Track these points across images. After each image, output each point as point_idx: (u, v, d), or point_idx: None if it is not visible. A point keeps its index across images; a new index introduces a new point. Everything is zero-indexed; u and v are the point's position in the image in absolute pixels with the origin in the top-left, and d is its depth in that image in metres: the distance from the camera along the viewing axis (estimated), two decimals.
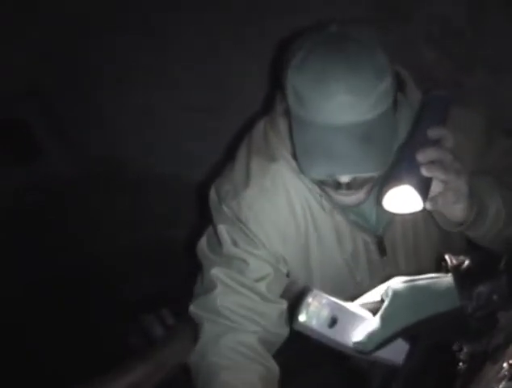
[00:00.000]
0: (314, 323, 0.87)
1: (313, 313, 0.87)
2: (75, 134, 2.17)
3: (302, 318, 0.87)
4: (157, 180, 2.23)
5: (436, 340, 0.89)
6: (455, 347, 0.87)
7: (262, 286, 1.20)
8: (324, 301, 0.88)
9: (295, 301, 0.91)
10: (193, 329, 1.28)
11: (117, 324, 2.09)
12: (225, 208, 1.21)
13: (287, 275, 1.27)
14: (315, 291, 0.88)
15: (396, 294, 0.87)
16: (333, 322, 0.87)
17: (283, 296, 1.26)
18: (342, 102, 0.94)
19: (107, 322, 2.15)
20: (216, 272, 1.21)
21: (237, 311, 1.19)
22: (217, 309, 1.19)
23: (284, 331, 1.25)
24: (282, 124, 1.14)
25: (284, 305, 1.24)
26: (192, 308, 1.25)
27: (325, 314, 0.88)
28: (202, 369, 1.18)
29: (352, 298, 0.95)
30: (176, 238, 2.24)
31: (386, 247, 1.25)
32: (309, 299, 0.88)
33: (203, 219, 1.34)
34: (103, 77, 2.02)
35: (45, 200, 2.18)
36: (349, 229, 1.21)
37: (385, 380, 0.97)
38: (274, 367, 1.21)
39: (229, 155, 1.31)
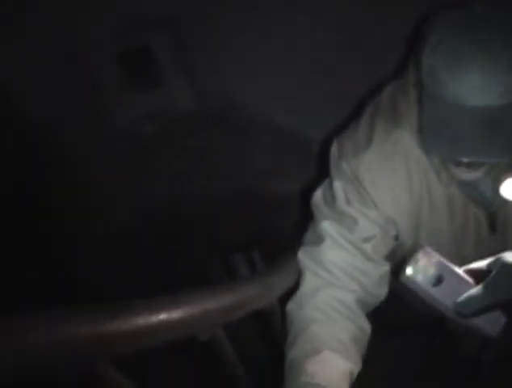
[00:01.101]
0: (420, 279, 0.89)
1: (421, 269, 0.89)
2: (199, 68, 2.18)
3: (409, 271, 0.89)
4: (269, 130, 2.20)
5: None
6: None
7: (368, 246, 1.23)
8: (433, 259, 0.89)
9: (407, 255, 0.92)
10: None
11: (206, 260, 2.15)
12: (344, 165, 1.25)
13: (396, 238, 1.30)
14: (427, 248, 0.89)
15: (506, 265, 0.85)
16: (438, 281, 0.89)
17: (388, 258, 1.30)
18: (474, 85, 0.97)
19: (197, 257, 2.21)
20: (326, 226, 1.26)
21: (340, 266, 1.23)
22: (322, 261, 1.24)
23: (383, 293, 1.30)
24: (412, 94, 1.16)
25: (387, 267, 1.28)
26: (300, 254, 1.31)
27: (432, 272, 0.89)
28: (296, 319, 1.23)
29: None
30: (278, 188, 2.25)
31: (497, 224, 1.25)
32: (419, 255, 0.89)
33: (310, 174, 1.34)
34: (241, 21, 2.02)
35: (159, 130, 2.22)
36: (462, 202, 1.23)
37: (478, 348, 0.97)
38: (367, 327, 1.25)
39: (351, 119, 1.35)
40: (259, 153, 2.33)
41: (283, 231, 2.16)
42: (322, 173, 1.37)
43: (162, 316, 1.01)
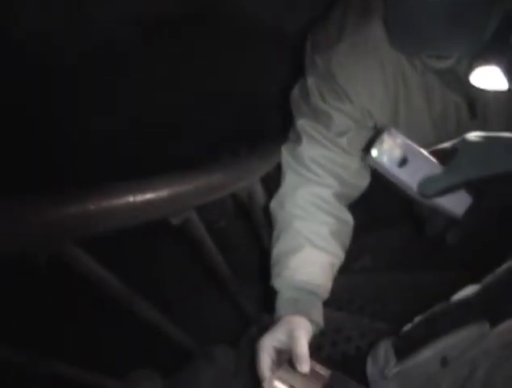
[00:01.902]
0: (385, 160, 0.89)
1: (386, 150, 0.89)
2: None
3: (374, 153, 0.89)
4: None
5: (502, 201, 0.88)
6: None
7: (343, 140, 1.24)
8: (398, 140, 0.89)
9: (372, 137, 0.92)
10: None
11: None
12: (317, 60, 1.23)
13: (375, 128, 1.30)
14: (392, 130, 0.88)
15: (470, 144, 0.85)
16: (403, 162, 0.88)
17: None
18: None
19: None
20: (303, 124, 1.27)
21: (318, 162, 1.25)
22: (300, 159, 1.26)
23: (363, 183, 1.33)
24: None
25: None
26: (283, 150, 1.33)
27: (397, 153, 0.89)
28: (279, 217, 1.28)
29: None
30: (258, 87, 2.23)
31: (477, 109, 1.23)
32: (384, 136, 0.88)
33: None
34: None
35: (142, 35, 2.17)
36: (440, 90, 1.21)
37: (443, 230, 0.99)
38: (349, 219, 1.30)
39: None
40: (244, 56, 2.28)
41: (267, 130, 2.15)
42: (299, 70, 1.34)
43: (129, 198, 1.02)
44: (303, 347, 1.00)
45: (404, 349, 1.09)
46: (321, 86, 1.24)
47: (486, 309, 0.94)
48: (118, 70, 2.22)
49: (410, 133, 1.25)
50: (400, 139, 0.89)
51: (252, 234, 1.76)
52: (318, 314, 1.16)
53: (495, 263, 1.02)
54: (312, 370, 0.99)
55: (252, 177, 1.44)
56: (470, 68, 0.99)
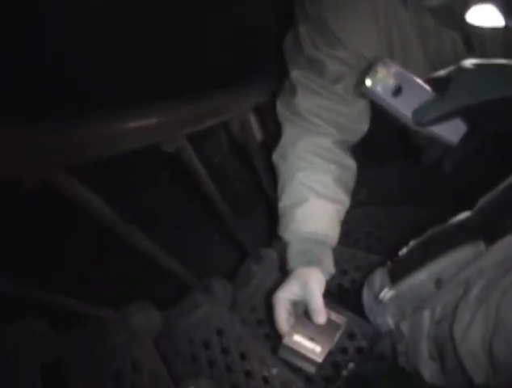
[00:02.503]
0: (379, 90, 0.88)
1: (380, 80, 0.88)
2: None
3: (368, 83, 0.88)
4: None
5: (497, 127, 0.87)
6: None
7: (339, 87, 1.22)
8: (393, 69, 0.88)
9: (366, 67, 0.91)
10: None
11: None
12: (308, 6, 1.19)
13: None
14: (386, 60, 0.87)
15: (465, 71, 0.84)
16: (397, 91, 0.87)
17: None
18: None
19: None
20: (296, 74, 1.24)
21: (315, 113, 1.24)
22: (298, 110, 1.24)
23: (362, 128, 1.31)
24: None
25: (363, 103, 1.27)
26: (278, 105, 1.31)
27: (391, 82, 0.88)
28: (282, 169, 1.28)
29: None
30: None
31: (474, 44, 1.19)
32: (378, 66, 0.87)
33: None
34: None
35: None
36: (434, 27, 1.18)
37: (439, 158, 0.99)
38: (351, 163, 1.30)
39: None
40: None
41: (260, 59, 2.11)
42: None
43: (121, 124, 1.01)
44: (318, 299, 1.02)
45: (399, 273, 1.10)
46: (312, 34, 1.21)
47: (481, 230, 0.95)
48: None
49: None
50: (394, 68, 0.89)
51: (248, 168, 1.76)
52: (329, 262, 1.18)
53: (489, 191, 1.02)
54: (329, 319, 1.02)
55: (243, 105, 1.42)
56: (466, 5, 0.97)
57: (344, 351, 1.40)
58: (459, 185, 1.50)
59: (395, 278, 1.11)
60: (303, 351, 0.98)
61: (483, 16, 0.97)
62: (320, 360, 0.97)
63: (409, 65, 1.19)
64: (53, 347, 1.34)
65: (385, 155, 1.88)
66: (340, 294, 1.63)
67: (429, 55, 1.22)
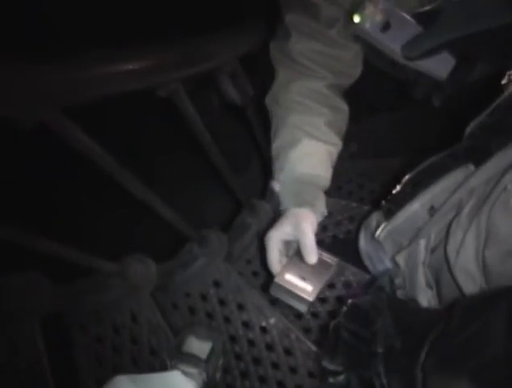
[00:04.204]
0: (368, 26, 0.88)
1: (368, 16, 0.88)
2: None
3: (356, 19, 0.88)
4: None
5: (485, 59, 0.88)
6: None
7: (333, 31, 1.20)
8: (380, 5, 0.88)
9: (354, 5, 0.90)
10: None
11: None
12: None
13: None
14: None
15: (452, 3, 0.86)
16: (386, 26, 0.87)
17: None
18: None
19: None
20: (292, 19, 1.22)
21: (309, 56, 1.22)
22: (291, 54, 1.23)
23: (357, 72, 1.29)
24: None
25: (357, 47, 1.24)
26: (271, 49, 1.30)
27: (379, 18, 0.88)
28: (275, 112, 1.28)
29: None
30: None
31: None
32: (366, 2, 0.87)
33: None
34: None
35: None
36: None
37: (429, 91, 1.00)
38: (343, 107, 1.29)
39: None
40: None
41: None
42: None
43: (114, 67, 1.01)
44: (310, 239, 1.03)
45: (394, 209, 1.11)
46: None
47: (470, 154, 0.96)
48: None
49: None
50: (382, 4, 0.89)
51: (241, 125, 1.76)
52: (321, 203, 1.18)
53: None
54: (320, 259, 1.03)
55: (235, 50, 1.42)
56: None
57: (340, 300, 1.42)
58: (449, 119, 1.50)
59: (389, 215, 1.12)
60: (294, 289, 0.99)
61: None
62: (311, 298, 0.98)
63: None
64: (52, 300, 1.35)
65: (374, 107, 1.89)
66: (335, 245, 1.65)
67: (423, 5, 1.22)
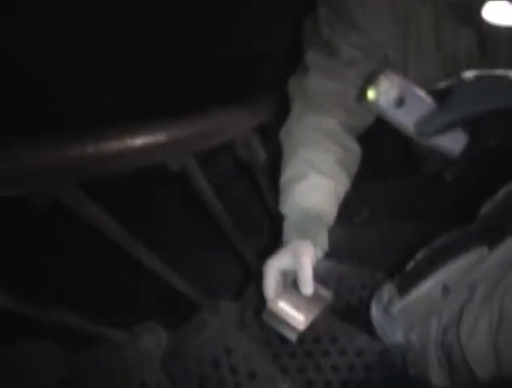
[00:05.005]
0: (382, 101, 0.89)
1: (383, 91, 0.89)
2: None
3: (371, 94, 0.89)
4: None
5: (498, 138, 0.88)
6: None
7: (351, 72, 1.23)
8: (395, 81, 0.89)
9: (368, 78, 0.92)
10: None
11: None
12: None
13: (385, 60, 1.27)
14: (388, 71, 0.88)
15: (465, 82, 0.85)
16: (400, 102, 0.88)
17: None
18: None
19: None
20: (311, 55, 1.26)
21: (324, 93, 1.25)
22: (307, 89, 1.26)
23: (371, 116, 1.30)
24: None
25: None
26: (290, 82, 1.33)
27: (394, 93, 0.89)
28: (286, 145, 1.29)
29: None
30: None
31: (488, 47, 1.20)
32: (381, 77, 0.87)
33: None
34: None
35: None
36: (450, 23, 1.18)
37: (441, 168, 1.00)
38: (355, 149, 1.30)
39: None
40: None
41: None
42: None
43: (127, 142, 1.03)
44: (307, 271, 1.02)
45: (407, 285, 1.10)
46: (331, 17, 1.23)
47: (485, 235, 0.96)
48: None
49: (419, 69, 1.23)
50: (397, 79, 0.90)
51: (254, 189, 1.77)
52: (323, 238, 1.17)
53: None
54: (316, 292, 1.02)
55: (247, 124, 1.44)
56: (483, 2, 0.98)
57: (351, 368, 1.40)
58: (461, 194, 1.50)
59: (403, 291, 1.11)
60: (286, 317, 0.99)
61: (499, 13, 0.98)
62: (301, 328, 0.97)
63: (422, 63, 1.22)
64: (64, 368, 1.34)
65: (387, 171, 1.89)
66: (348, 312, 1.63)
67: (442, 52, 1.22)
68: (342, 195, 1.26)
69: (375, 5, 1.18)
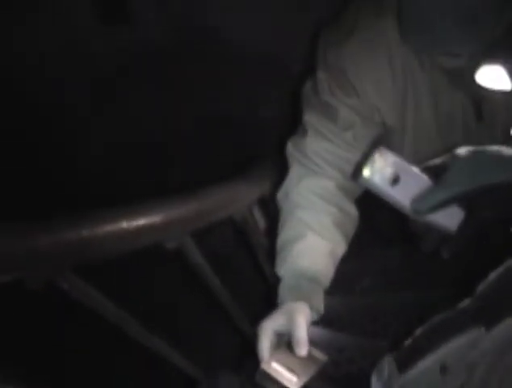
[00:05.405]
0: (377, 180, 0.89)
1: (377, 169, 0.89)
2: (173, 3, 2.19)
3: (366, 173, 0.89)
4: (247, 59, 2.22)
5: (494, 213, 0.89)
6: None
7: (349, 135, 1.26)
8: (390, 159, 0.89)
9: (363, 156, 0.92)
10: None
11: None
12: (328, 54, 1.26)
13: (383, 125, 1.31)
14: (382, 149, 0.89)
15: (459, 159, 0.86)
16: (395, 180, 0.89)
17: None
18: None
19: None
20: (310, 118, 1.29)
21: (322, 156, 1.27)
22: (305, 151, 1.28)
23: None
24: None
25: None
26: (288, 145, 1.35)
27: (389, 172, 0.89)
28: (284, 207, 1.30)
29: None
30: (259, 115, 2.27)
31: (484, 112, 1.24)
32: (376, 156, 0.89)
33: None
34: None
35: (131, 64, 2.23)
36: (447, 90, 1.22)
37: (438, 245, 1.00)
38: (352, 211, 1.31)
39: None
40: (240, 83, 2.33)
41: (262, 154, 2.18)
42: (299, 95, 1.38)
43: (123, 224, 1.04)
44: (302, 332, 1.01)
45: (406, 362, 1.09)
46: (330, 80, 1.26)
47: (481, 315, 0.95)
48: (109, 97, 2.27)
49: (416, 135, 1.29)
50: (391, 158, 0.90)
51: (253, 259, 1.77)
52: (318, 300, 1.17)
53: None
54: (310, 354, 1.00)
55: (245, 201, 1.45)
56: (476, 66, 1.02)
57: None
58: (459, 267, 1.50)
59: (402, 368, 1.10)
60: (279, 378, 0.95)
61: (492, 78, 1.01)
62: None
63: (419, 129, 1.26)
64: None
65: (386, 239, 1.89)
66: (348, 382, 1.60)
67: (439, 117, 1.25)
68: (338, 256, 1.26)
69: (373, 69, 1.22)
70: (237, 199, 1.41)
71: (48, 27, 2.17)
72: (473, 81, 1.14)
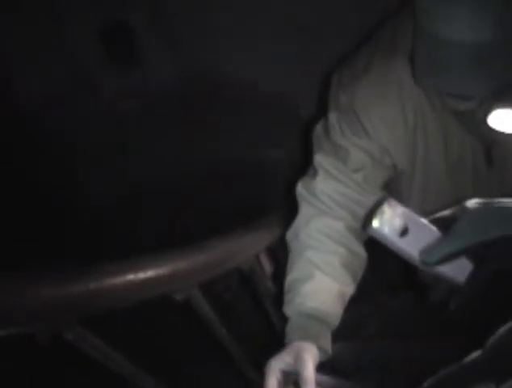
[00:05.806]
0: (386, 230, 0.89)
1: (386, 220, 0.90)
2: (184, 44, 2.20)
3: (375, 223, 0.89)
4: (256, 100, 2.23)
5: (503, 266, 0.89)
6: None
7: (359, 176, 1.27)
8: (399, 210, 0.90)
9: (372, 207, 0.93)
10: None
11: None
12: (341, 94, 1.27)
13: (394, 167, 1.32)
14: (392, 200, 0.89)
15: (469, 211, 0.86)
16: (404, 231, 0.89)
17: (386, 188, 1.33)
18: (462, 20, 0.96)
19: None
20: (320, 159, 1.30)
21: (332, 196, 1.27)
22: (315, 192, 1.29)
23: None
24: (410, 26, 1.13)
25: (379, 195, 1.27)
26: (299, 185, 1.35)
27: (398, 223, 0.89)
28: (293, 247, 1.30)
29: None
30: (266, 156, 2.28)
31: (494, 157, 1.25)
32: (385, 207, 0.89)
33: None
34: None
35: (142, 107, 2.25)
36: (458, 133, 1.23)
37: (446, 296, 1.00)
38: (361, 252, 1.30)
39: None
40: (247, 124, 2.34)
41: (271, 197, 2.18)
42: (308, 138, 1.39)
43: (130, 276, 1.04)
44: (309, 371, 1.01)
45: None
46: (342, 121, 1.27)
47: (490, 371, 0.94)
48: (117, 139, 2.29)
49: (426, 178, 1.30)
50: (400, 209, 0.90)
51: (259, 305, 1.77)
52: (326, 341, 1.16)
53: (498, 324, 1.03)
54: None
55: (253, 251, 1.45)
56: (489, 109, 1.02)
57: None
58: (465, 320, 1.49)
59: None
60: None
61: (504, 121, 1.01)
62: None
63: (429, 171, 1.28)
64: None
65: (395, 287, 1.88)
66: None
67: (450, 163, 1.27)
68: (347, 297, 1.26)
69: (384, 111, 1.23)
70: (244, 250, 1.41)
71: (59, 66, 2.20)
72: (485, 124, 1.13)
